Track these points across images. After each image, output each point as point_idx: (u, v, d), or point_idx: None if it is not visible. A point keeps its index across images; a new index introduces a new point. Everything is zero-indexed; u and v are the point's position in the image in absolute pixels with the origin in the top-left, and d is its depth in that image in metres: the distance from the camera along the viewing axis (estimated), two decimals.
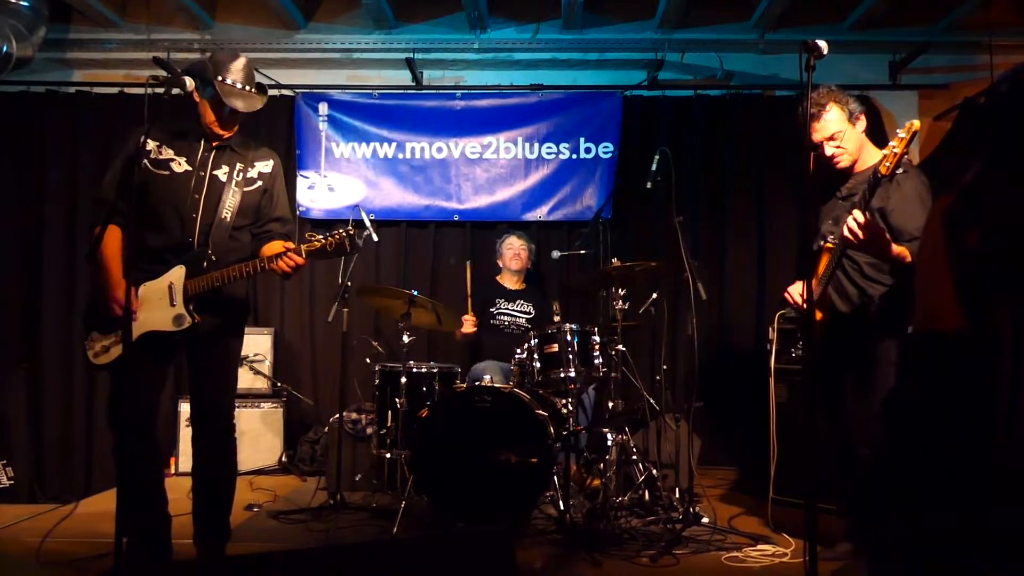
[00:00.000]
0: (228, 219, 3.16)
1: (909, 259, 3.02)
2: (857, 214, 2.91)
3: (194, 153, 3.18)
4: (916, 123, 2.78)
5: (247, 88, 3.10)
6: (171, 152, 3.15)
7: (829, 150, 3.28)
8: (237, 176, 3.20)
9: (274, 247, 3.18)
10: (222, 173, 3.19)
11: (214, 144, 3.20)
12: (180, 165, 3.15)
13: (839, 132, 3.27)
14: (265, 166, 3.31)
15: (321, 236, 3.03)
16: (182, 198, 3.12)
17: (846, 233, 2.96)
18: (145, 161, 3.11)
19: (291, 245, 3.05)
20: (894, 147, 2.80)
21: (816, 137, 3.29)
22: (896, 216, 3.14)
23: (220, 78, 3.04)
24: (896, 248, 3.01)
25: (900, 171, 2.89)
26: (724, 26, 5.85)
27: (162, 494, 3.22)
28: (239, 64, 3.10)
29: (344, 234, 2.99)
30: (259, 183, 3.27)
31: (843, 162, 3.32)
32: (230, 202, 3.17)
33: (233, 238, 3.20)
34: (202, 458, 3.25)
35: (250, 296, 3.48)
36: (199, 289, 3.06)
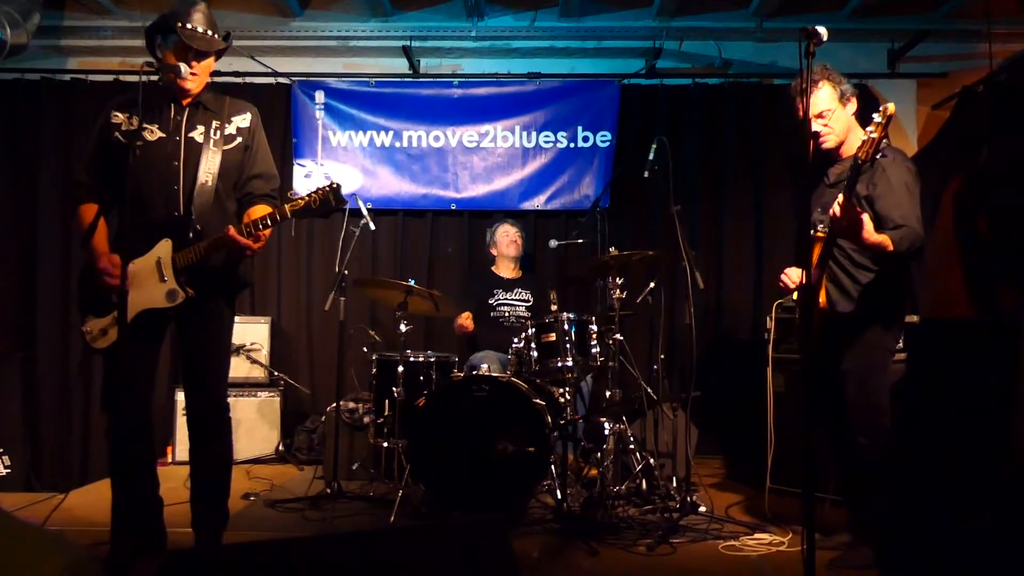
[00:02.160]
0: (209, 183, 3.05)
1: (891, 247, 3.01)
2: (840, 198, 2.92)
3: (165, 118, 3.08)
4: (891, 107, 2.75)
5: (209, 32, 3.04)
6: (142, 121, 3.06)
7: (816, 126, 3.26)
8: (214, 135, 3.08)
9: (255, 212, 3.08)
10: (198, 134, 3.08)
11: (185, 103, 3.10)
12: (153, 133, 3.05)
13: (828, 110, 3.26)
14: (243, 120, 3.19)
15: (305, 194, 2.96)
16: (161, 170, 3.03)
17: (830, 217, 2.97)
18: (117, 135, 3.04)
19: (267, 210, 2.98)
20: (871, 132, 2.79)
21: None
22: (881, 203, 3.14)
23: (180, 24, 2.98)
24: (874, 236, 2.99)
25: (880, 156, 2.88)
26: (722, 14, 5.82)
27: (154, 477, 3.20)
28: (199, 10, 3.04)
29: (328, 188, 2.93)
30: (239, 139, 3.16)
31: (829, 142, 3.31)
32: (210, 165, 3.05)
33: (218, 204, 3.10)
34: (197, 439, 3.19)
35: (247, 271, 3.35)
36: (187, 262, 2.99)
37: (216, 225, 3.04)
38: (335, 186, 2.95)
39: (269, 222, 2.97)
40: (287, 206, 2.96)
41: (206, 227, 3.03)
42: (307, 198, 2.95)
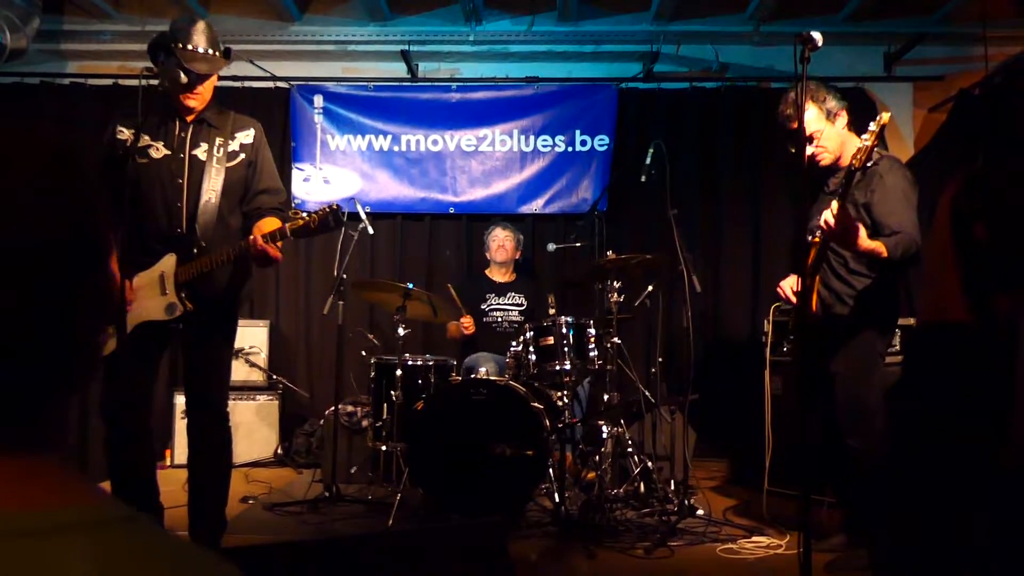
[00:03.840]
0: (213, 201, 3.07)
1: (885, 254, 3.04)
2: (833, 205, 2.95)
3: (170, 135, 3.10)
4: (886, 116, 2.83)
5: (210, 51, 3.02)
6: (147, 138, 3.07)
7: (809, 150, 3.30)
8: (217, 152, 3.09)
9: (264, 225, 3.09)
10: (202, 152, 3.09)
11: (189, 120, 3.11)
12: (158, 150, 3.07)
13: (817, 131, 3.29)
14: (246, 136, 3.20)
15: (305, 213, 2.98)
16: (165, 186, 3.05)
17: (822, 224, 2.99)
18: (122, 151, 3.04)
19: (276, 223, 2.99)
20: (866, 139, 2.86)
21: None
22: (878, 209, 3.17)
23: (180, 44, 2.96)
24: (867, 243, 3.01)
25: (872, 164, 2.94)
26: (719, 18, 5.84)
27: (154, 486, 3.20)
28: (199, 28, 3.01)
29: (328, 210, 2.95)
30: (242, 156, 3.17)
31: (824, 160, 3.35)
32: (213, 182, 3.07)
33: (222, 221, 3.11)
34: (197, 448, 3.20)
35: (249, 284, 3.36)
36: (189, 276, 3.00)
37: (219, 242, 3.06)
38: (335, 207, 2.97)
39: (271, 239, 2.99)
40: (287, 225, 2.98)
41: (209, 244, 3.05)
42: (307, 218, 2.97)
